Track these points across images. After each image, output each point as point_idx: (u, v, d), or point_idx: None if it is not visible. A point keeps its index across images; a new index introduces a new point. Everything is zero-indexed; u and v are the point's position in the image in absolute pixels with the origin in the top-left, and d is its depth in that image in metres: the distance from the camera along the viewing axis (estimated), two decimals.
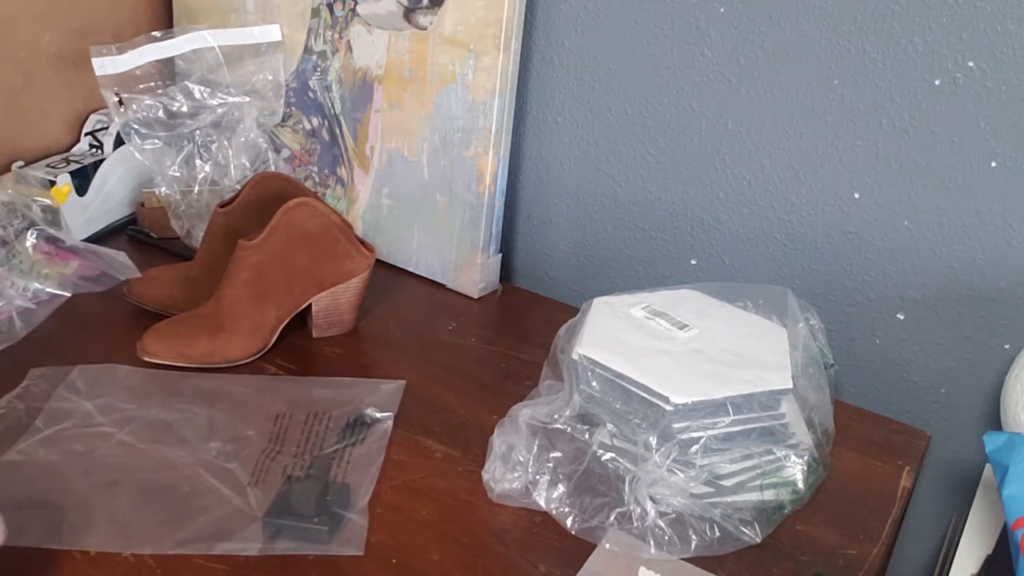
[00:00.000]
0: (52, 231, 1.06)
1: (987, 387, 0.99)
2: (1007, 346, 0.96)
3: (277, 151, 1.21)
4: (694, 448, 0.79)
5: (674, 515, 0.78)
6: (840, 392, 1.01)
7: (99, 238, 1.18)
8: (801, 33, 0.95)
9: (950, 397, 1.01)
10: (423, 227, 1.16)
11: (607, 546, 0.77)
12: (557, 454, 0.83)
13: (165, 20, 1.30)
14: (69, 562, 0.73)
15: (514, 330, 1.09)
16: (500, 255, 1.16)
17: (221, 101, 1.14)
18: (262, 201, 1.00)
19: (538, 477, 0.81)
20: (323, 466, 0.83)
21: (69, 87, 1.22)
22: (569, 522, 0.79)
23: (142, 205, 1.19)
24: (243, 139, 1.15)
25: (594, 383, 0.84)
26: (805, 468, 0.83)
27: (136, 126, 1.12)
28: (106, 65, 1.10)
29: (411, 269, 1.18)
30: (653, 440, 0.79)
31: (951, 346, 0.99)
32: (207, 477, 0.82)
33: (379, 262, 1.08)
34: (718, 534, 0.78)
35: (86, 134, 1.22)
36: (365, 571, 0.75)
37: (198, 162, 1.15)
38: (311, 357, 1.01)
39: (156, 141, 1.13)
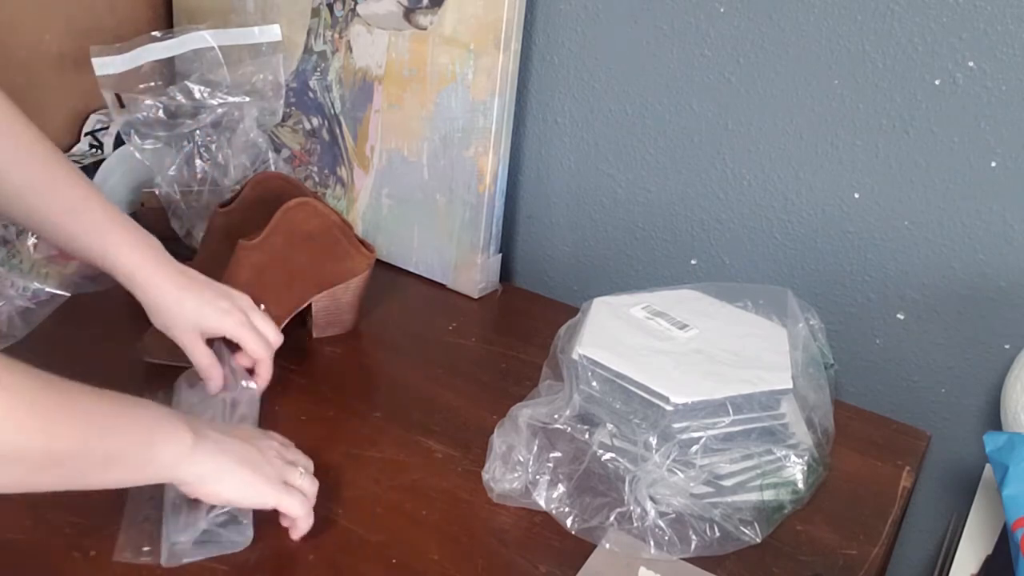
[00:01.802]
0: None
1: (987, 387, 0.99)
2: (1007, 346, 0.96)
3: (277, 151, 1.21)
4: (694, 448, 0.79)
5: (674, 515, 0.78)
6: (840, 392, 1.01)
7: None
8: (801, 33, 0.95)
9: (950, 397, 1.01)
10: (423, 227, 1.16)
11: (607, 546, 0.77)
12: (557, 454, 0.83)
13: (165, 20, 1.30)
14: (69, 563, 0.73)
15: (514, 330, 1.09)
16: (500, 255, 1.16)
17: (221, 101, 1.14)
18: (262, 201, 1.00)
19: (538, 477, 0.81)
20: None
21: (69, 87, 1.22)
22: (569, 522, 0.79)
23: (142, 205, 1.19)
24: (243, 139, 1.15)
25: (594, 383, 0.84)
26: (805, 468, 0.83)
27: (136, 126, 1.12)
28: (106, 65, 1.10)
29: (411, 269, 1.18)
30: (653, 440, 0.79)
31: (951, 346, 0.99)
32: None
33: (379, 262, 1.08)
34: (718, 534, 0.78)
35: (86, 134, 1.22)
36: (365, 571, 0.75)
37: (198, 162, 1.15)
38: (311, 357, 1.01)
39: (156, 141, 1.13)
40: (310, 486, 0.76)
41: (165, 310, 0.83)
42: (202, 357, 0.85)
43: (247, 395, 0.85)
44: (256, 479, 0.71)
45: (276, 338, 0.88)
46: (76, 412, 0.60)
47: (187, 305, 0.82)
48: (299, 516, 0.74)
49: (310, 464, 0.78)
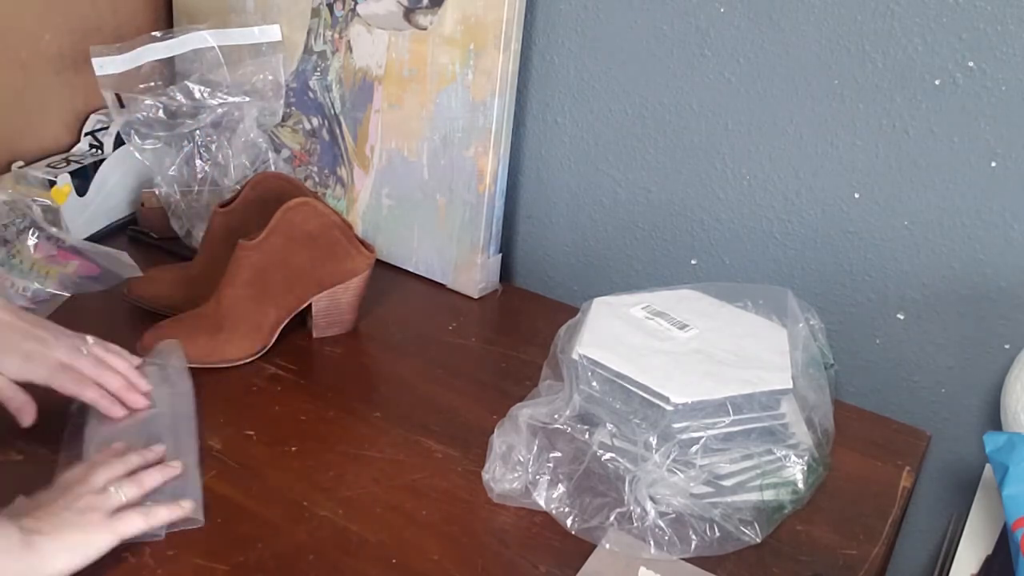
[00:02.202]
0: (54, 230, 1.06)
1: (987, 387, 0.99)
2: (1007, 346, 0.96)
3: (277, 151, 1.21)
4: (694, 448, 0.79)
5: (674, 515, 0.78)
6: (840, 392, 1.01)
7: (99, 238, 1.18)
8: (801, 33, 0.95)
9: (950, 397, 1.01)
10: (423, 227, 1.16)
11: (607, 546, 0.77)
12: (557, 454, 0.83)
13: (165, 20, 1.30)
14: None
15: (514, 330, 1.09)
16: (500, 255, 1.16)
17: (221, 101, 1.14)
18: (262, 201, 1.00)
19: (538, 477, 0.81)
20: None
21: (69, 87, 1.22)
22: (569, 522, 0.79)
23: (142, 205, 1.19)
24: (243, 139, 1.15)
25: (594, 383, 0.84)
26: (805, 468, 0.83)
27: (136, 126, 1.12)
28: (106, 65, 1.10)
29: (411, 269, 1.18)
30: (653, 440, 0.79)
31: (951, 346, 0.99)
32: None
33: (379, 262, 1.08)
34: (718, 534, 0.78)
35: (86, 134, 1.22)
36: (365, 571, 0.75)
37: (198, 162, 1.15)
38: (311, 357, 1.01)
39: (156, 141, 1.13)
40: (134, 491, 0.74)
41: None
42: (5, 390, 0.79)
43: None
44: (82, 536, 0.69)
45: (120, 364, 0.83)
46: None
47: None
48: (144, 531, 0.73)
49: (151, 454, 0.77)
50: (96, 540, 0.70)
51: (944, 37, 0.88)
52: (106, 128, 1.21)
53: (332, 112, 1.19)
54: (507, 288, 1.18)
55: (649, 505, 0.78)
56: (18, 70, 1.17)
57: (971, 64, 0.88)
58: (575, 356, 0.85)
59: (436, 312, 1.11)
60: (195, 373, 0.95)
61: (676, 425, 0.79)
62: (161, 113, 1.12)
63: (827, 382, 0.90)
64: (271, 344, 0.99)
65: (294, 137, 1.23)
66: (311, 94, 1.20)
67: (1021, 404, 0.88)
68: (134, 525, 0.72)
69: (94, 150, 1.21)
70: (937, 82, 0.90)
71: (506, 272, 1.22)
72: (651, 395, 0.80)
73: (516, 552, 0.78)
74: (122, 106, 1.12)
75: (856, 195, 0.98)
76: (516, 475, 0.81)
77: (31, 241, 1.05)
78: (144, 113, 1.11)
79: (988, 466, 0.92)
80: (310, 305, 1.01)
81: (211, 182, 1.15)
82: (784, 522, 0.81)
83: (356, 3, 1.13)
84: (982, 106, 0.89)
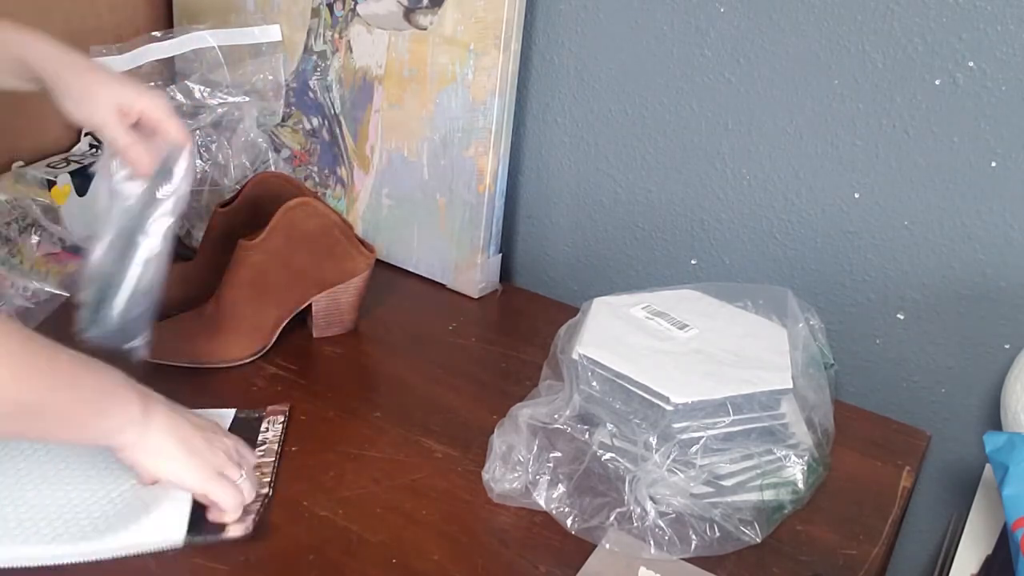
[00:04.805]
0: (57, 228, 1.06)
1: (987, 387, 0.99)
2: (1007, 346, 0.96)
3: (277, 151, 1.21)
4: (694, 448, 0.79)
5: (674, 515, 0.78)
6: (840, 392, 1.01)
7: None
8: (801, 33, 0.95)
9: (950, 397, 1.01)
10: (423, 227, 1.16)
11: (607, 546, 0.77)
12: (557, 454, 0.83)
13: (165, 20, 1.30)
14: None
15: (514, 330, 1.09)
16: (500, 255, 1.16)
17: (221, 101, 1.14)
18: (262, 201, 1.01)
19: (538, 477, 0.81)
20: None
21: None
22: (569, 522, 0.79)
23: None
24: (243, 139, 1.15)
25: (594, 383, 0.84)
26: (805, 468, 0.83)
27: None
28: (106, 65, 1.10)
29: (411, 269, 1.18)
30: (653, 440, 0.79)
31: (951, 346, 0.99)
32: None
33: (379, 262, 1.08)
34: (718, 534, 0.78)
35: (86, 134, 1.22)
36: (365, 571, 0.75)
37: (198, 162, 1.15)
38: (311, 357, 1.01)
39: None
40: (248, 486, 0.77)
41: (82, 88, 0.80)
42: (124, 136, 0.81)
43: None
44: (190, 462, 0.73)
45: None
46: (47, 367, 0.63)
47: (103, 80, 0.80)
48: (227, 508, 0.75)
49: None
50: (187, 475, 0.73)
51: (944, 37, 0.88)
52: None
53: (332, 112, 1.19)
54: (507, 288, 1.18)
55: (649, 505, 0.78)
56: None
57: (971, 64, 0.88)
58: (575, 356, 0.85)
59: (436, 312, 1.11)
60: (195, 373, 0.95)
61: (676, 425, 0.79)
62: None
63: (827, 382, 0.90)
64: (271, 344, 0.99)
65: (294, 137, 1.23)
66: (311, 94, 1.20)
67: (1021, 404, 0.88)
68: (224, 495, 0.74)
69: (94, 150, 1.21)
70: (937, 82, 0.90)
71: (506, 272, 1.22)
72: (651, 395, 0.80)
73: (516, 552, 0.78)
74: None
75: (856, 195, 0.98)
76: (516, 475, 0.82)
77: (34, 239, 1.05)
78: None
79: (988, 466, 0.92)
80: (310, 305, 1.01)
81: (211, 182, 1.15)
82: (784, 522, 0.81)
83: (356, 3, 1.13)
84: (982, 106, 0.89)
